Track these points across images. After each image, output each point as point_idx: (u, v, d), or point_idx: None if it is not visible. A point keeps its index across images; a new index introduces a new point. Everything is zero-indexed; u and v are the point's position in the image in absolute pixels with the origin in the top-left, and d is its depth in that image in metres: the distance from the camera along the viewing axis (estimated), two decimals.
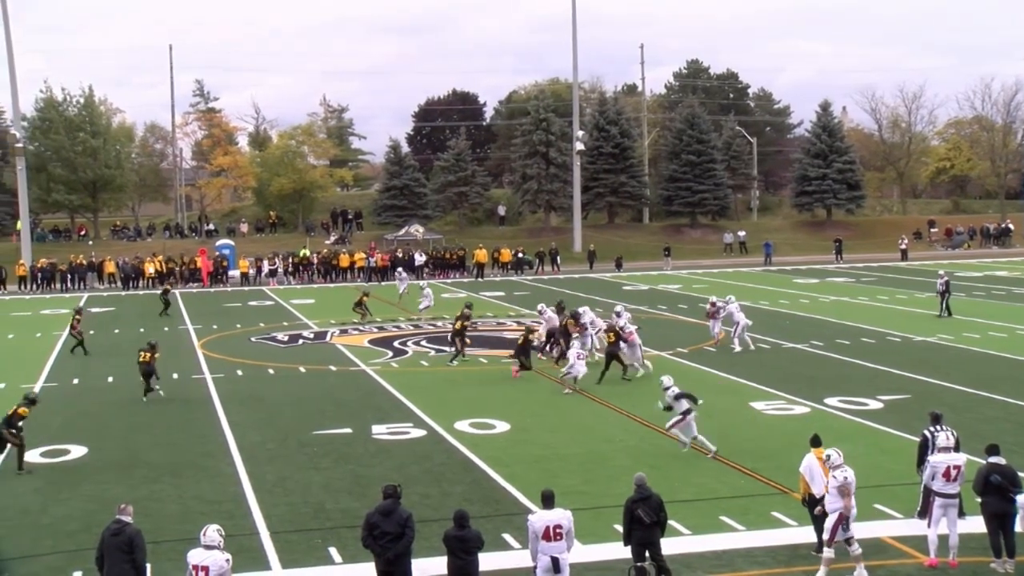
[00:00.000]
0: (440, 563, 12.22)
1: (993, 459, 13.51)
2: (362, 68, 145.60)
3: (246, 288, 54.27)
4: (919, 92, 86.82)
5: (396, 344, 33.04)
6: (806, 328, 34.92)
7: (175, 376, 27.78)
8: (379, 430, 21.14)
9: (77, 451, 19.91)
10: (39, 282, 55.08)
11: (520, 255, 61.54)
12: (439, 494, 16.73)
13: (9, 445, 18.32)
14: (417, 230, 65.51)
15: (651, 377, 24.99)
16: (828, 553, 12.96)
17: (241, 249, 61.93)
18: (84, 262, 56.65)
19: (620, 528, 13.09)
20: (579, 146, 68.35)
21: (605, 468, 18.08)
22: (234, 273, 57.70)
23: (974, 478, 13.54)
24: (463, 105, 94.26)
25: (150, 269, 55.70)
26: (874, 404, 22.77)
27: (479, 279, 57.24)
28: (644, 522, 12.54)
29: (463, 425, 21.40)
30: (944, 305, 36.83)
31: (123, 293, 53.16)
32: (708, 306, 31.67)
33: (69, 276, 55.60)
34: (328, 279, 57.75)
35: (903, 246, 65.17)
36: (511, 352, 27.84)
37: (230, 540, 11.95)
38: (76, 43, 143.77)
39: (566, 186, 70.87)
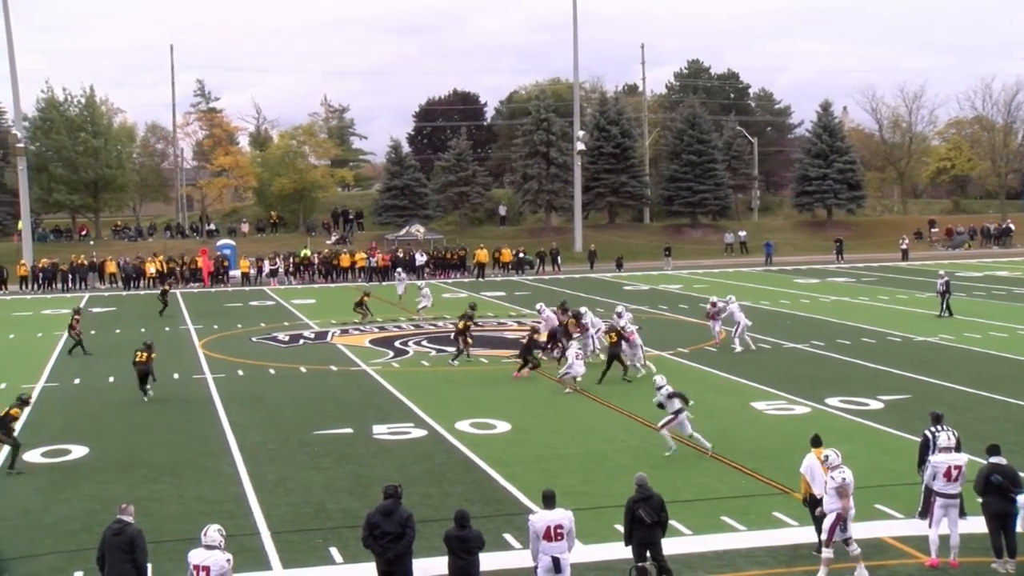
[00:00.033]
0: (441, 563, 12.23)
1: (994, 459, 13.51)
2: (362, 68, 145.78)
3: (247, 288, 54.29)
4: (920, 92, 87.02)
5: (397, 344, 33.05)
6: (807, 328, 34.92)
7: (176, 376, 27.81)
8: (380, 430, 21.14)
9: (78, 451, 19.92)
10: (40, 282, 55.12)
11: (521, 255, 61.55)
12: (440, 494, 16.73)
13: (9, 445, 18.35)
14: (418, 230, 65.53)
15: (652, 378, 24.95)
16: (827, 553, 12.96)
17: (242, 249, 61.96)
18: (85, 262, 56.69)
19: (621, 528, 13.09)
20: (580, 146, 68.36)
21: (606, 468, 18.09)
22: (235, 273, 57.73)
23: (975, 478, 13.53)
24: (464, 105, 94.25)
25: (151, 269, 55.71)
26: (875, 404, 22.77)
27: (480, 279, 57.25)
28: (645, 522, 12.54)
29: (464, 425, 21.41)
30: (945, 305, 36.83)
31: (124, 293, 53.17)
32: (708, 306, 31.66)
33: (70, 276, 55.67)
34: (329, 279, 57.76)
35: (904, 246, 65.17)
36: (516, 352, 27.80)
37: (231, 540, 11.95)
38: (77, 43, 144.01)
39: (567, 186, 70.88)
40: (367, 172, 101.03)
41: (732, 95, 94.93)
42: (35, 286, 55.21)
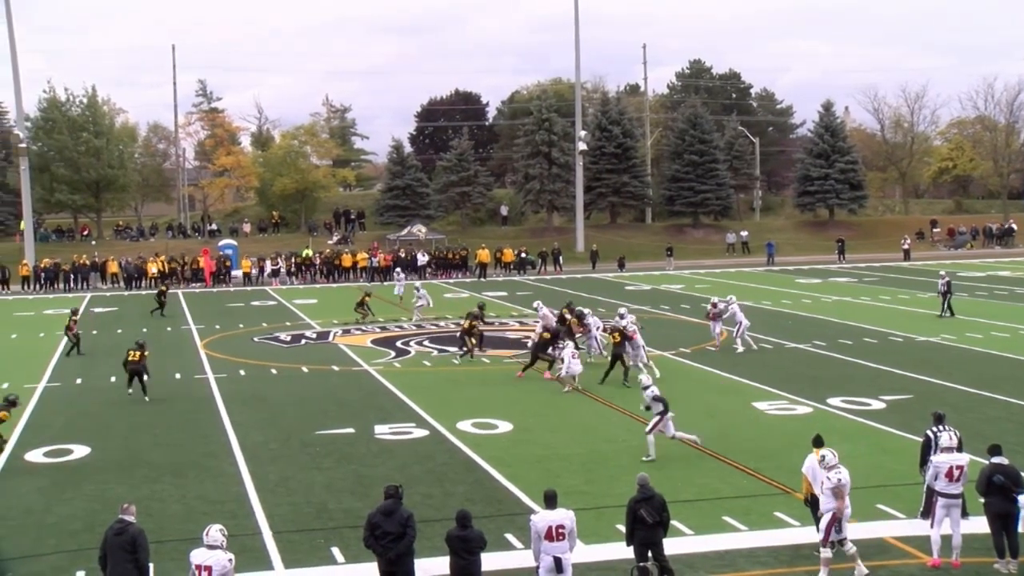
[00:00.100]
0: (443, 563, 12.23)
1: (996, 459, 13.50)
2: (363, 68, 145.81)
3: (249, 288, 54.30)
4: (921, 92, 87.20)
5: (399, 344, 33.05)
6: (808, 328, 34.91)
7: (178, 376, 27.84)
8: (382, 430, 21.15)
9: (80, 451, 19.93)
10: (42, 282, 55.17)
11: (523, 255, 61.55)
12: (441, 494, 16.74)
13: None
14: (419, 230, 65.51)
15: (656, 380, 24.94)
16: (825, 553, 12.95)
17: (244, 249, 61.99)
18: (87, 262, 56.72)
19: (623, 528, 13.10)
20: (582, 146, 68.35)
21: (607, 468, 18.10)
22: (237, 273, 57.77)
23: (977, 478, 13.53)
24: (465, 105, 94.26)
25: (153, 269, 55.71)
26: (876, 404, 22.76)
27: (481, 279, 57.25)
28: (647, 522, 12.55)
29: (465, 425, 21.41)
30: (946, 305, 36.80)
31: (126, 293, 53.18)
32: (709, 307, 31.64)
33: (72, 276, 55.71)
34: (331, 279, 57.78)
35: (906, 246, 65.14)
36: (516, 352, 27.77)
37: (233, 540, 11.96)
38: (77, 43, 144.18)
39: (568, 186, 70.87)
40: (369, 172, 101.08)
41: (734, 95, 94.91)
42: (37, 286, 55.26)
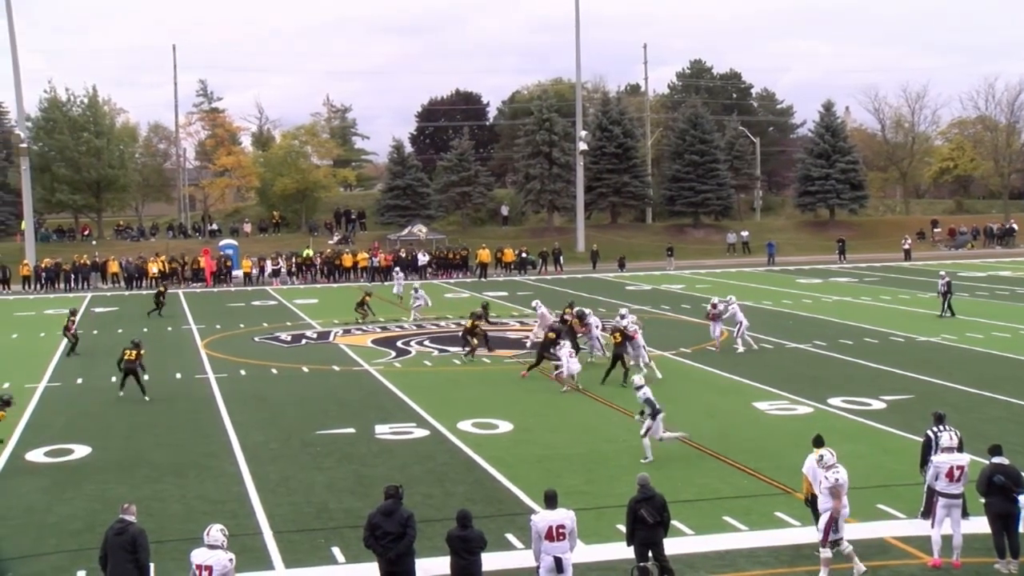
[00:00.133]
0: (443, 563, 12.23)
1: (996, 459, 13.50)
2: (363, 68, 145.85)
3: (249, 288, 54.33)
4: (922, 92, 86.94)
5: (399, 344, 33.06)
6: (809, 328, 34.90)
7: (178, 376, 27.85)
8: (382, 430, 21.15)
9: (80, 451, 19.93)
10: (43, 282, 55.19)
11: (523, 255, 61.55)
12: (442, 494, 16.74)
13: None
14: (420, 230, 65.52)
15: (657, 381, 24.96)
16: (825, 553, 12.95)
17: (244, 249, 62.02)
18: (88, 262, 56.73)
19: (623, 528, 13.11)
20: (582, 146, 68.35)
21: (608, 468, 18.09)
22: (237, 273, 57.80)
23: (978, 478, 13.53)
24: (466, 105, 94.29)
25: (153, 269, 55.72)
26: (877, 404, 22.76)
27: (482, 279, 57.25)
28: (647, 522, 12.55)
29: (466, 425, 21.41)
30: (946, 305, 36.79)
31: (126, 293, 53.20)
32: (709, 308, 31.61)
33: (73, 276, 55.73)
34: (331, 279, 57.79)
35: (906, 246, 65.12)
36: (538, 349, 27.69)
37: (233, 540, 11.96)
38: (78, 43, 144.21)
39: (569, 186, 70.87)
40: (369, 172, 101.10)
41: (734, 95, 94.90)
42: (38, 286, 55.28)
